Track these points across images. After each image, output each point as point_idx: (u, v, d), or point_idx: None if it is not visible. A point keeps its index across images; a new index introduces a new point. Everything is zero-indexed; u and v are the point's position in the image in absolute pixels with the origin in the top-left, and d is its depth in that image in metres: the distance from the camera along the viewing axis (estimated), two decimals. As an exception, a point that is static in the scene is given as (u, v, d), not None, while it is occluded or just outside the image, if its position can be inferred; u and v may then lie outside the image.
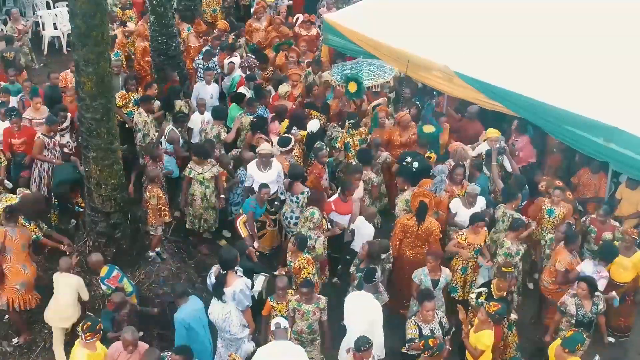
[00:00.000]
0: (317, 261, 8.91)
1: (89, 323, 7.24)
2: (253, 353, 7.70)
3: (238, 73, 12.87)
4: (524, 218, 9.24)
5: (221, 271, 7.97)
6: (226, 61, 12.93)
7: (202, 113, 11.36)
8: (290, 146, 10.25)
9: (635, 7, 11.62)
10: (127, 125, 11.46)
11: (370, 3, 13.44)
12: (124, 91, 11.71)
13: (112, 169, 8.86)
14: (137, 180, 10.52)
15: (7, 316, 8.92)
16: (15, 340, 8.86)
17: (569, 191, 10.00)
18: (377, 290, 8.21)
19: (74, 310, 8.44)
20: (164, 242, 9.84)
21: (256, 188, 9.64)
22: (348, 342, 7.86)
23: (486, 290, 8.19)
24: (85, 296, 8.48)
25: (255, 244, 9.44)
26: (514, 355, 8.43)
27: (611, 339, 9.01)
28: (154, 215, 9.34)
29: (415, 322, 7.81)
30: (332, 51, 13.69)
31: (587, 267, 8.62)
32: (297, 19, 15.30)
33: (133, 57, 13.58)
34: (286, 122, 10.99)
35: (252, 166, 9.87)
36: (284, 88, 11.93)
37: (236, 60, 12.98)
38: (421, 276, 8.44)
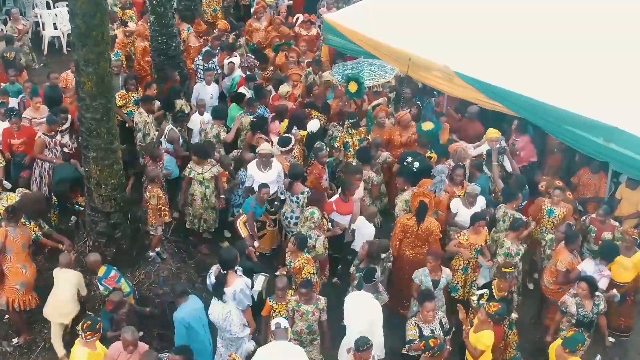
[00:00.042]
0: (317, 261, 8.91)
1: (89, 322, 7.25)
2: (253, 352, 7.69)
3: (238, 73, 12.87)
4: (524, 218, 9.24)
5: (221, 271, 7.96)
6: (226, 61, 12.93)
7: (201, 114, 11.35)
8: (290, 146, 10.25)
9: (635, 7, 11.62)
10: (127, 125, 11.46)
11: (370, 3, 13.44)
12: (123, 91, 11.71)
13: (112, 169, 8.86)
14: (137, 180, 10.52)
15: (7, 316, 8.91)
16: (15, 340, 8.86)
17: (569, 191, 10.00)
18: (377, 290, 8.21)
19: (73, 306, 8.46)
20: (164, 242, 9.84)
21: (256, 188, 9.64)
22: (348, 342, 7.86)
23: (487, 292, 8.18)
24: (84, 291, 8.49)
25: (256, 244, 9.44)
26: (514, 355, 8.43)
27: (611, 339, 9.00)
28: (154, 215, 9.34)
29: (416, 323, 7.80)
30: (332, 51, 13.69)
31: (588, 266, 8.62)
32: (297, 19, 15.30)
33: (133, 57, 13.58)
34: (286, 122, 10.99)
35: (252, 166, 9.87)
36: (284, 88, 11.93)
37: (236, 60, 12.98)
38: (422, 276, 8.44)
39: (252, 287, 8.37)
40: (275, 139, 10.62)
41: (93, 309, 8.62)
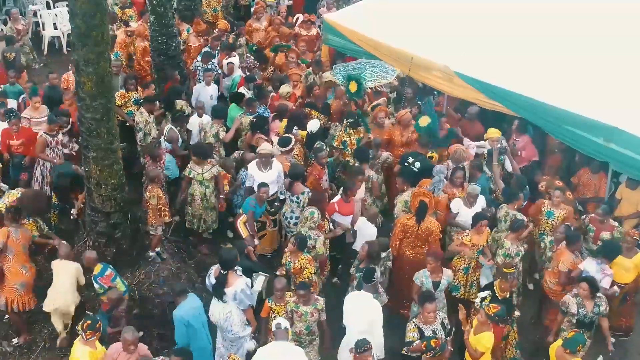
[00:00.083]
0: (317, 260, 8.91)
1: (89, 322, 7.27)
2: (254, 352, 7.69)
3: (239, 73, 12.88)
4: (525, 218, 9.24)
5: (221, 271, 7.96)
6: (225, 61, 12.92)
7: (200, 116, 11.33)
8: (290, 146, 10.25)
9: (635, 7, 11.62)
10: (127, 124, 11.46)
11: (370, 3, 13.44)
12: (123, 90, 11.71)
13: (112, 169, 8.86)
14: (137, 180, 10.52)
15: (7, 316, 8.91)
16: (15, 340, 8.85)
17: (569, 191, 9.99)
18: (377, 290, 8.20)
19: (73, 296, 8.49)
20: (164, 242, 9.84)
21: (256, 188, 9.64)
22: (347, 342, 7.86)
23: (490, 293, 8.17)
24: (83, 281, 8.53)
25: (255, 241, 9.44)
26: (514, 354, 8.43)
27: (612, 339, 8.99)
28: (154, 215, 9.34)
29: (416, 325, 7.77)
30: (333, 51, 13.69)
31: (590, 266, 8.61)
32: (297, 19, 15.31)
33: (134, 57, 13.58)
34: (284, 122, 10.99)
35: (252, 166, 9.88)
36: (285, 88, 11.93)
37: (235, 60, 12.97)
38: (422, 278, 8.42)
39: (252, 286, 8.37)
40: (275, 139, 10.63)
41: (93, 309, 8.62)
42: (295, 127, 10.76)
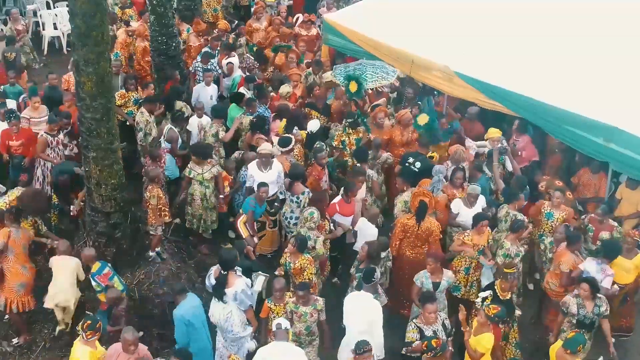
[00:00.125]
0: (317, 261, 8.90)
1: (89, 322, 7.26)
2: (254, 352, 7.69)
3: (239, 73, 12.87)
4: (525, 219, 9.23)
5: (221, 272, 7.96)
6: (224, 62, 12.92)
7: (199, 117, 11.33)
8: (290, 146, 10.25)
9: (635, 7, 11.62)
10: (127, 123, 11.46)
11: (370, 3, 13.43)
12: (123, 90, 11.71)
13: (112, 169, 8.86)
14: (137, 180, 10.52)
15: (7, 316, 8.91)
16: (15, 341, 8.85)
17: (569, 191, 9.99)
18: (376, 291, 8.19)
19: (73, 291, 8.51)
20: (164, 242, 9.84)
21: (256, 188, 9.63)
22: (347, 342, 7.85)
23: (491, 293, 8.16)
24: (82, 276, 8.54)
25: (255, 239, 9.43)
26: (514, 354, 8.43)
27: (612, 339, 8.99)
28: (154, 215, 9.34)
29: (416, 326, 7.77)
30: (333, 51, 13.69)
31: (590, 266, 8.60)
32: (297, 19, 15.31)
33: (134, 57, 13.58)
34: (284, 122, 10.99)
35: (252, 166, 9.87)
36: (285, 89, 11.93)
37: (234, 60, 12.96)
38: (422, 278, 8.41)
39: (252, 286, 8.36)
40: (275, 139, 10.62)
41: (93, 309, 8.61)
42: (296, 128, 10.76)
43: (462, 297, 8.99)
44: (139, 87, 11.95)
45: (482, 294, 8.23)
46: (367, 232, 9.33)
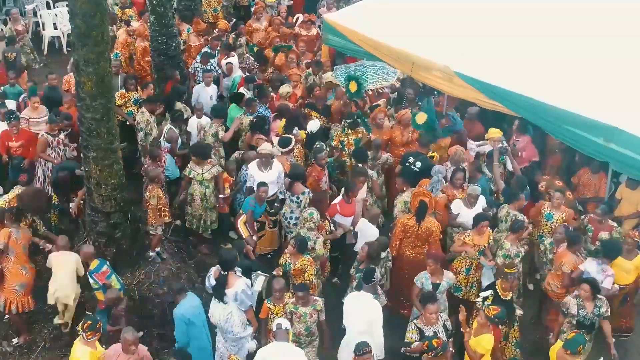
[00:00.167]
0: (317, 261, 8.89)
1: (89, 322, 7.26)
2: (255, 352, 7.68)
3: (239, 73, 12.87)
4: (525, 219, 9.23)
5: (221, 272, 7.95)
6: (224, 62, 12.92)
7: (199, 117, 11.33)
8: (290, 146, 10.25)
9: (635, 7, 11.62)
10: (127, 123, 11.46)
11: (370, 3, 13.43)
12: (123, 90, 11.71)
13: (112, 169, 8.86)
14: (137, 180, 10.52)
15: (7, 316, 8.91)
16: (15, 341, 8.85)
17: (569, 191, 9.99)
18: (376, 291, 8.18)
19: (73, 287, 8.53)
20: (164, 242, 9.84)
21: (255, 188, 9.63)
22: (347, 342, 7.85)
23: (492, 293, 8.16)
24: (82, 272, 8.54)
25: (254, 237, 9.42)
26: (514, 354, 8.42)
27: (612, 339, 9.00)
28: (153, 215, 9.34)
29: (417, 326, 7.76)
30: (333, 51, 13.69)
31: (590, 266, 8.59)
32: (297, 19, 15.30)
33: (134, 57, 13.58)
34: (283, 122, 10.99)
35: (253, 166, 9.87)
36: (285, 88, 11.92)
37: (234, 60, 12.95)
38: (422, 279, 8.41)
39: (252, 286, 8.36)
40: (275, 139, 10.62)
41: (93, 309, 8.61)
42: (296, 128, 10.76)
43: (462, 297, 8.99)
44: (138, 87, 11.96)
45: (483, 294, 8.22)
46: (367, 232, 9.32)
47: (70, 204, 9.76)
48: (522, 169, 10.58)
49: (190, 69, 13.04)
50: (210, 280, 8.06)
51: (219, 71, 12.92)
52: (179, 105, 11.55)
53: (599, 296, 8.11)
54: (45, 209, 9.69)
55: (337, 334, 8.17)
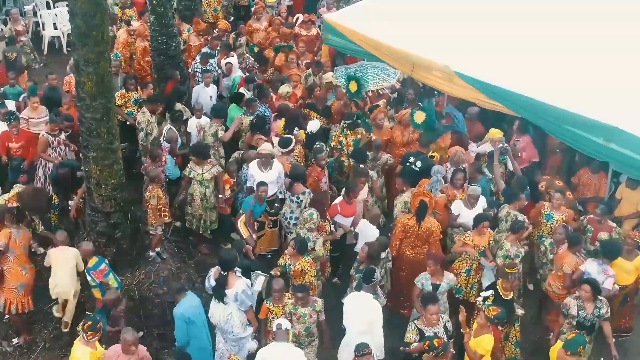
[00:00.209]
0: (317, 262, 8.89)
1: (89, 322, 7.25)
2: (256, 352, 7.68)
3: (239, 74, 12.86)
4: (526, 219, 9.22)
5: (221, 273, 7.95)
6: (223, 61, 12.91)
7: (198, 117, 11.33)
8: (291, 147, 10.24)
9: (635, 7, 11.62)
10: (128, 123, 11.46)
11: (370, 3, 13.43)
12: (123, 90, 11.71)
13: (112, 169, 8.86)
14: (137, 180, 10.52)
15: (7, 316, 8.91)
16: (15, 341, 8.85)
17: (569, 191, 9.99)
18: (375, 292, 8.18)
19: (73, 282, 8.54)
20: (164, 242, 9.84)
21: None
22: (347, 342, 7.85)
23: (493, 293, 8.15)
24: (82, 267, 8.53)
25: (254, 236, 9.41)
26: (514, 353, 8.42)
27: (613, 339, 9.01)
28: (153, 215, 9.34)
29: (417, 327, 7.75)
30: (333, 51, 13.69)
31: (591, 267, 8.58)
32: (297, 19, 15.30)
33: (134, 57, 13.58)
34: (282, 122, 10.99)
35: (253, 166, 9.87)
36: (284, 88, 11.92)
37: (233, 60, 12.94)
38: (423, 280, 8.40)
39: (252, 286, 8.36)
40: (275, 139, 10.61)
41: (92, 309, 8.61)
42: (296, 128, 10.76)
43: (462, 298, 8.98)
44: (138, 87, 11.96)
45: (484, 294, 8.20)
46: (368, 233, 9.31)
47: (69, 202, 9.74)
48: (523, 169, 10.58)
49: (190, 70, 13.04)
50: (210, 281, 8.05)
51: (219, 71, 12.92)
52: (178, 106, 11.55)
53: (600, 297, 8.10)
54: (46, 209, 9.69)
55: (337, 334, 8.17)
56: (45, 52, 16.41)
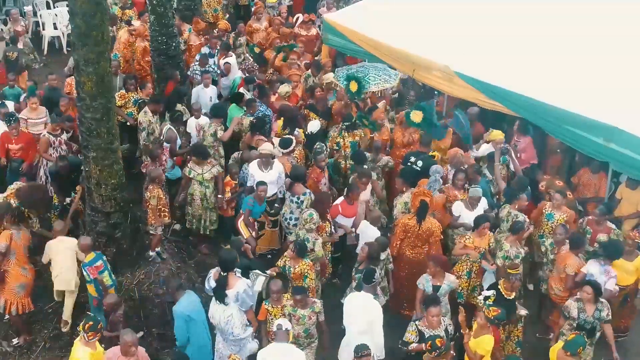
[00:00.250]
0: (317, 263, 8.88)
1: (90, 322, 7.23)
2: (256, 352, 7.67)
3: (238, 74, 12.85)
4: (526, 219, 9.21)
5: (221, 273, 7.94)
6: (222, 61, 12.91)
7: (197, 117, 11.33)
8: (291, 147, 10.24)
9: (635, 7, 11.62)
10: (128, 123, 11.45)
11: (370, 3, 13.44)
12: (123, 91, 11.71)
13: (112, 169, 8.86)
14: (137, 180, 10.52)
15: (7, 316, 8.91)
16: (15, 341, 8.84)
17: (569, 191, 9.99)
18: (375, 292, 8.17)
19: (73, 272, 8.54)
20: (164, 242, 9.85)
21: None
22: (347, 342, 7.85)
23: (494, 293, 8.14)
24: (82, 257, 8.51)
25: (254, 234, 9.42)
26: (513, 351, 8.41)
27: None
28: (153, 215, 9.34)
29: (417, 328, 7.74)
30: (333, 51, 13.69)
31: (593, 268, 8.56)
32: (297, 19, 15.30)
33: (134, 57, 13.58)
34: (281, 121, 10.98)
35: (253, 165, 9.87)
36: (284, 88, 11.92)
37: (232, 60, 12.94)
38: (423, 281, 8.40)
39: (252, 286, 8.34)
40: (275, 139, 10.61)
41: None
42: (297, 129, 10.75)
43: (463, 303, 8.96)
44: (138, 88, 11.96)
45: (485, 293, 8.19)
46: (369, 234, 9.30)
47: (68, 199, 9.73)
48: (523, 169, 10.58)
49: (188, 72, 13.02)
50: (210, 283, 8.01)
51: (219, 71, 12.91)
52: (179, 106, 11.55)
53: (601, 299, 8.09)
54: (45, 207, 9.67)
55: (337, 334, 8.16)
56: (45, 52, 16.42)
